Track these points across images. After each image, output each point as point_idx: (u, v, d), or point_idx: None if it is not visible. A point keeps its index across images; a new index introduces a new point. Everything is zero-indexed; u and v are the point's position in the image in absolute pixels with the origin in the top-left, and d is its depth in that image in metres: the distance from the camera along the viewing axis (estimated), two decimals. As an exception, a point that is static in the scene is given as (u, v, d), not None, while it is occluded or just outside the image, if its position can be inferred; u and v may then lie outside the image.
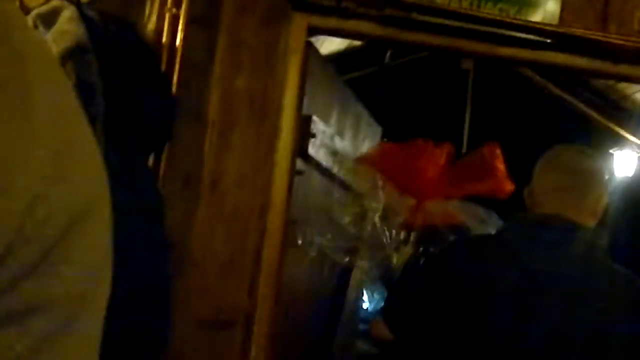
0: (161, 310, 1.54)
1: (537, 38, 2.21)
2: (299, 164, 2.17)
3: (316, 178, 2.44)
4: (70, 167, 0.38)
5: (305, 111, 2.12)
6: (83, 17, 1.46)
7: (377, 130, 3.28)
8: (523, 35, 2.20)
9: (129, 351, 1.38)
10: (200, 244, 1.86)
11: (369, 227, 2.50)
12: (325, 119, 2.40)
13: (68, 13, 1.44)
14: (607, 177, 1.71)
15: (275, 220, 2.00)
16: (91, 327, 0.41)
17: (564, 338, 1.57)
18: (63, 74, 0.43)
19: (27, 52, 0.38)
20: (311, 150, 2.26)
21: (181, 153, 1.85)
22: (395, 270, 2.50)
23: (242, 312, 1.93)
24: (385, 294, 2.41)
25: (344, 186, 2.69)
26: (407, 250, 2.48)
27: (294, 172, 2.08)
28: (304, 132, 2.15)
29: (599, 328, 1.57)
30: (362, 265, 2.61)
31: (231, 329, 1.91)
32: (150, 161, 1.75)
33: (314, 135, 2.19)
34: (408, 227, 2.51)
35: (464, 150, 5.80)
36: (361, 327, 3.22)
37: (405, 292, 1.83)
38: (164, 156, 1.81)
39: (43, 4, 1.48)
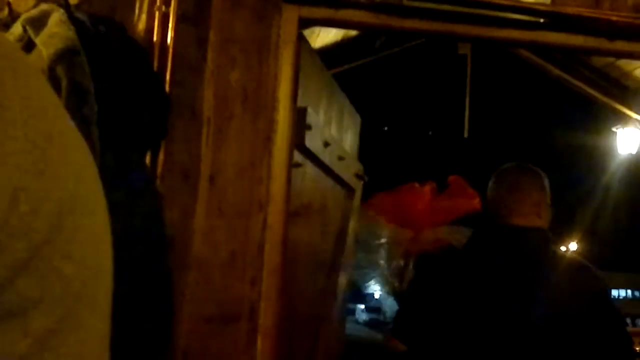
0: (163, 307, 1.54)
1: (531, 18, 2.20)
2: (296, 156, 2.17)
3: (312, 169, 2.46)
4: (51, 159, 0.37)
5: (298, 103, 2.12)
6: (72, 19, 1.46)
7: (358, 120, 3.32)
8: (517, 16, 2.19)
9: (134, 350, 1.39)
10: (201, 239, 1.86)
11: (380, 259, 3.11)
12: (316, 110, 2.40)
13: (57, 16, 1.44)
14: (544, 185, 2.06)
15: (275, 213, 2.00)
16: (96, 324, 0.40)
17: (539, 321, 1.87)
18: (34, 67, 0.42)
19: None
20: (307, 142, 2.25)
21: (178, 149, 1.85)
22: (399, 292, 3.06)
23: (246, 306, 1.93)
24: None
25: (337, 178, 2.77)
26: (409, 274, 2.99)
27: (291, 164, 2.08)
28: (300, 124, 2.15)
29: (558, 313, 1.88)
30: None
31: (236, 323, 1.92)
32: (148, 159, 1.75)
33: (309, 127, 2.18)
34: (408, 254, 3.04)
35: (465, 135, 5.78)
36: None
37: (406, 310, 2.20)
38: (161, 153, 1.81)
39: (32, 7, 1.48)
